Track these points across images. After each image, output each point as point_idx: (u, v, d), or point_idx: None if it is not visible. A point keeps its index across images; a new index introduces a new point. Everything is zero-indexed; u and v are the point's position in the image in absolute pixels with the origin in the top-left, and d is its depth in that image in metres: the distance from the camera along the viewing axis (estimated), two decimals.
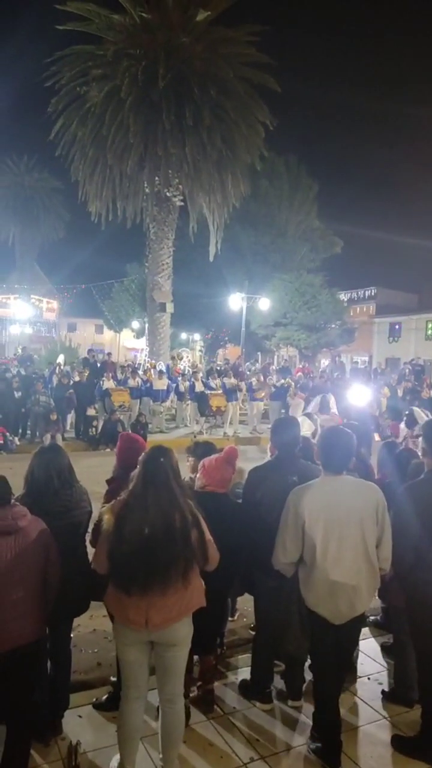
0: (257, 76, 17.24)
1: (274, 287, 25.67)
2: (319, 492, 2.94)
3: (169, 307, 18.69)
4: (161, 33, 16.03)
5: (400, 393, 15.54)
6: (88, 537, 3.20)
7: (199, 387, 14.37)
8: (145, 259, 19.37)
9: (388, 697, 3.59)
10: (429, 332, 32.42)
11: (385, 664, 3.99)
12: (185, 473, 3.48)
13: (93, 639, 4.28)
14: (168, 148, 15.90)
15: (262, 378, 15.77)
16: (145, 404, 14.25)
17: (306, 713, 3.37)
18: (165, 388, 14.44)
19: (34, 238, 36.86)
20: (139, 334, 31.00)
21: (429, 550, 2.99)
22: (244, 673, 3.72)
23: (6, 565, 2.57)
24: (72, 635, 3.53)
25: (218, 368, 18.97)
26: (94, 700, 3.41)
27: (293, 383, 15.28)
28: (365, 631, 4.29)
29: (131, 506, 2.59)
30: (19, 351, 19.98)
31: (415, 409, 10.45)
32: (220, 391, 14.46)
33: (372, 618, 4.50)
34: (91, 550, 2.95)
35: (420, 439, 3.42)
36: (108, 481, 3.48)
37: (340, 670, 3.20)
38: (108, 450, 11.38)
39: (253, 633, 3.91)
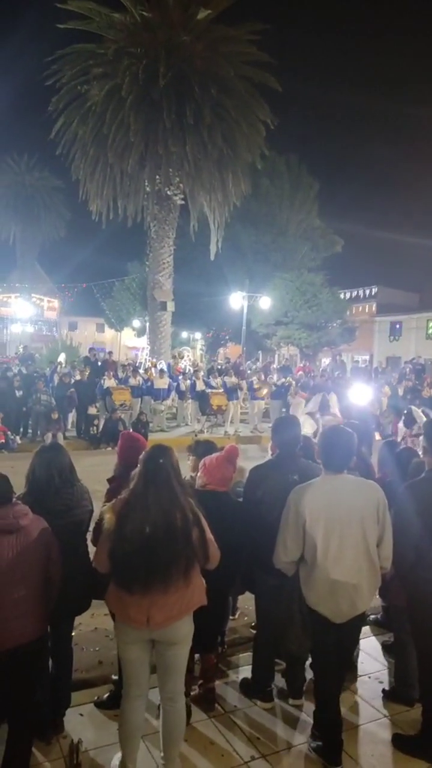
0: (258, 75, 17.23)
1: (274, 286, 25.67)
2: (320, 491, 2.94)
3: (170, 306, 18.70)
4: (162, 31, 16.03)
5: (400, 392, 15.53)
6: (89, 536, 3.21)
7: (200, 386, 14.37)
8: (146, 258, 19.40)
9: (388, 695, 3.59)
10: (430, 331, 32.39)
11: (386, 663, 3.99)
12: (186, 472, 3.48)
13: (94, 637, 4.29)
14: (169, 147, 15.89)
15: (263, 377, 15.78)
16: (146, 403, 14.25)
17: (307, 712, 3.37)
18: (166, 386, 14.43)
19: (35, 237, 36.88)
20: (140, 332, 31.00)
21: (430, 549, 2.99)
22: (245, 672, 3.73)
23: (7, 564, 2.58)
24: (73, 634, 3.54)
25: (219, 367, 18.96)
26: (96, 698, 3.42)
27: (294, 382, 15.28)
28: (366, 629, 4.29)
29: (132, 505, 2.59)
30: (20, 350, 19.97)
31: (413, 408, 10.46)
32: (221, 390, 14.46)
33: (372, 617, 4.50)
34: (92, 549, 2.95)
35: (420, 438, 3.42)
36: (109, 480, 3.48)
37: (341, 668, 3.20)
38: (109, 449, 11.39)
39: (254, 631, 3.92)
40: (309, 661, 3.39)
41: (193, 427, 14.45)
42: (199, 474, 3.42)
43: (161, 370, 14.74)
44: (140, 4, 15.95)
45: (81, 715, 3.28)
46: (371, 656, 4.08)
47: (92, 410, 13.06)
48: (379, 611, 4.53)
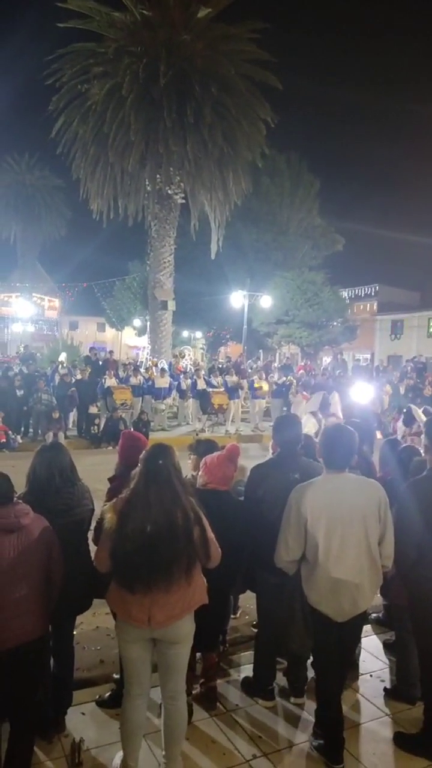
0: (258, 74, 17.21)
1: (275, 285, 25.65)
2: (321, 490, 2.93)
3: (171, 305, 18.69)
4: (162, 30, 16.01)
5: (402, 390, 15.53)
6: (90, 535, 3.21)
7: (200, 385, 14.35)
8: (147, 257, 19.39)
9: (390, 694, 3.59)
10: (431, 330, 32.35)
11: (387, 662, 3.99)
12: (187, 471, 3.48)
13: (96, 636, 4.29)
14: (169, 146, 15.88)
15: (264, 375, 15.77)
16: (147, 402, 14.25)
17: (308, 710, 3.37)
18: (167, 385, 14.44)
19: (35, 237, 36.86)
20: (140, 332, 31.02)
21: (431, 548, 2.98)
22: (247, 671, 3.73)
23: (9, 563, 2.58)
24: (75, 633, 3.54)
25: (220, 366, 18.95)
26: (97, 697, 3.42)
27: (295, 381, 15.27)
28: (367, 628, 4.29)
29: (133, 504, 2.58)
30: (21, 349, 20.03)
31: (413, 407, 10.44)
32: (221, 389, 14.44)
33: (374, 615, 4.50)
34: (93, 548, 2.95)
35: (421, 436, 3.41)
36: (110, 479, 3.48)
37: (343, 667, 3.20)
38: (110, 448, 11.39)
39: (256, 630, 3.92)
40: (310, 659, 3.39)
41: (194, 426, 14.44)
42: (200, 473, 3.42)
43: (162, 369, 14.75)
44: (140, 2, 15.94)
45: (82, 713, 3.29)
46: (373, 655, 4.08)
47: (93, 409, 13.07)
48: (381, 610, 4.53)
